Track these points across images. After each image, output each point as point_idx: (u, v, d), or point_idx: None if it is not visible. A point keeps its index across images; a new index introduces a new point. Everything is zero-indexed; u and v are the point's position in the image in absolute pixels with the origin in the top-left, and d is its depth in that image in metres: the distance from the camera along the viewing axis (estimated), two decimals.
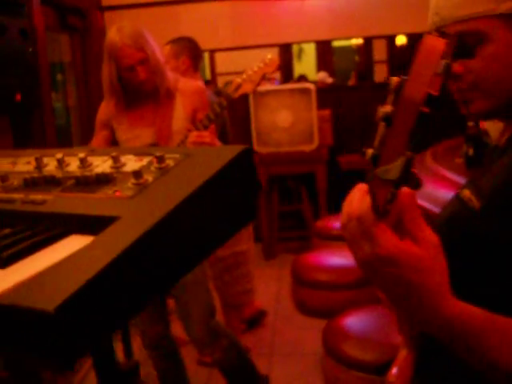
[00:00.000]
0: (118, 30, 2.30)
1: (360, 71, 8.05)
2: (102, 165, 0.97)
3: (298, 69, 8.08)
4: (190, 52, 3.19)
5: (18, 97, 3.77)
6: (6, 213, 0.87)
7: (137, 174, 0.86)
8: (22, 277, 0.66)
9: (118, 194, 0.84)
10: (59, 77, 5.22)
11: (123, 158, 0.96)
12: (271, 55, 2.31)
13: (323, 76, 6.51)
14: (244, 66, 3.62)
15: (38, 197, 0.88)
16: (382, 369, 1.81)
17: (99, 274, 0.62)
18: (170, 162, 0.91)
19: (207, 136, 2.18)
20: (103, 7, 5.20)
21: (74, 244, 0.75)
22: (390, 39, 7.70)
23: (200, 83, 2.59)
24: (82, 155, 0.98)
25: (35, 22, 4.01)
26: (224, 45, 5.41)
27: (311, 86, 4.87)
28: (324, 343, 2.05)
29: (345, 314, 2.05)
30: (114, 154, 0.95)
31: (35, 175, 0.96)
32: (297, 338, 3.66)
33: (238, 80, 2.27)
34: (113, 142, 2.61)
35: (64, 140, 4.87)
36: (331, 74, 6.62)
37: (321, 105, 4.98)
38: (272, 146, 4.89)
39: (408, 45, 7.59)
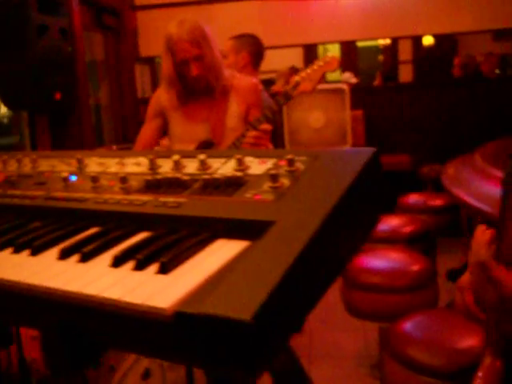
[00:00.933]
0: (178, 23, 2.29)
1: (385, 71, 8.00)
2: (223, 167, 0.95)
3: None
4: (251, 48, 3.21)
5: (58, 96, 3.77)
6: (138, 215, 0.86)
7: (273, 177, 0.84)
8: (191, 284, 0.64)
9: (258, 197, 0.82)
10: (91, 75, 5.22)
11: (246, 160, 0.94)
12: (331, 53, 2.28)
13: (348, 76, 6.47)
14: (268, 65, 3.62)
15: (170, 199, 0.86)
16: (454, 375, 1.79)
17: (283, 279, 0.60)
18: (299, 165, 0.89)
19: (264, 137, 2.16)
20: (136, 6, 5.20)
21: (227, 249, 0.74)
22: (416, 39, 7.65)
23: (255, 80, 2.57)
24: (202, 157, 0.97)
25: (74, 21, 4.02)
26: None
27: (344, 87, 4.84)
28: (385, 347, 2.02)
29: (407, 318, 2.01)
30: (237, 156, 0.93)
31: (156, 177, 0.94)
32: (335, 340, 3.63)
33: (297, 78, 2.24)
34: (164, 132, 2.59)
35: (96, 138, 4.87)
36: (356, 74, 6.58)
37: (351, 105, 4.95)
38: (304, 146, 4.86)
39: (435, 45, 7.53)
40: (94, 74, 5.22)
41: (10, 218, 0.98)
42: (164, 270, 0.68)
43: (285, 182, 0.84)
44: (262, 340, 0.57)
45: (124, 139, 5.09)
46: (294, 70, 6.14)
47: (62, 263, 0.77)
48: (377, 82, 7.84)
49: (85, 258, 0.76)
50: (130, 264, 0.72)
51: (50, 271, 0.74)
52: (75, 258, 0.77)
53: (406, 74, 7.89)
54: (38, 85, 3.57)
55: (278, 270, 0.61)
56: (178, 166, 0.99)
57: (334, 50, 8.61)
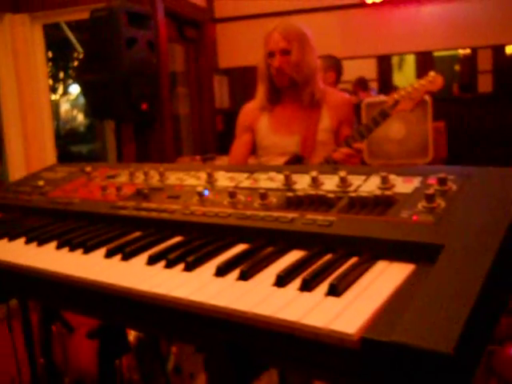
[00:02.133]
0: (281, 20, 2.34)
1: (463, 81, 7.77)
2: (365, 185, 0.93)
3: (398, 79, 7.90)
4: (336, 68, 3.38)
5: (144, 106, 3.87)
6: (287, 233, 0.85)
7: (429, 197, 0.81)
8: (370, 309, 0.62)
9: (416, 218, 0.79)
10: (172, 86, 5.34)
11: (391, 178, 0.91)
12: (434, 72, 2.21)
13: None
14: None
15: (319, 217, 0.85)
16: None
17: (473, 307, 0.57)
18: (451, 185, 0.86)
19: (356, 156, 2.11)
20: (216, 19, 5.29)
21: (394, 271, 0.71)
22: (497, 49, 7.39)
23: (348, 96, 2.54)
24: (342, 174, 0.95)
25: (160, 33, 4.12)
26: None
27: (427, 98, 4.71)
28: (490, 370, 1.94)
29: None
30: (382, 173, 0.91)
31: (299, 194, 0.93)
32: None
33: (396, 96, 2.19)
34: (254, 146, 2.60)
35: (174, 148, 4.97)
36: None
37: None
38: (383, 159, 4.76)
39: None
40: (175, 85, 5.34)
41: (151, 232, 0.99)
42: (335, 292, 0.67)
43: (440, 202, 0.81)
44: (457, 372, 0.55)
45: (202, 149, 5.16)
46: (361, 81, 6.07)
47: (221, 280, 0.76)
48: (454, 93, 7.62)
49: (244, 277, 0.75)
50: (296, 284, 0.71)
51: (211, 288, 0.74)
52: (233, 275, 0.76)
53: (485, 84, 7.63)
54: (126, 95, 3.68)
55: (468, 297, 0.58)
56: (315, 182, 0.98)
57: (409, 60, 8.45)
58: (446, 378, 0.54)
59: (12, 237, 1.08)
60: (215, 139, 5.35)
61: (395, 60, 7.97)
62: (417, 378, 0.55)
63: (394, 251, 0.75)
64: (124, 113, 3.78)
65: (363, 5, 5.18)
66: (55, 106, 9.32)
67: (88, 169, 1.34)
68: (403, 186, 0.90)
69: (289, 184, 1.00)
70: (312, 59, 2.38)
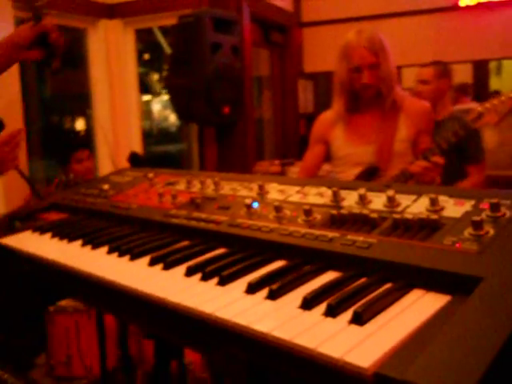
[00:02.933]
0: (357, 31, 2.27)
1: None
2: (413, 205, 0.89)
3: (496, 84, 7.51)
4: (449, 74, 3.27)
5: (227, 110, 3.94)
6: (325, 253, 0.83)
7: (476, 224, 0.76)
8: (392, 342, 0.59)
9: (459, 246, 0.75)
10: (255, 90, 5.40)
11: (441, 200, 0.87)
12: None
13: None
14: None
15: (359, 238, 0.82)
16: None
17: (498, 355, 0.53)
18: (505, 211, 0.80)
19: (434, 170, 2.01)
20: (303, 23, 5.28)
21: (427, 302, 0.68)
22: None
23: (428, 104, 2.44)
24: (390, 193, 0.91)
25: (244, 38, 4.17)
26: (424, 60, 5.19)
27: None
28: None
29: None
30: (431, 194, 0.87)
31: (343, 212, 0.91)
32: None
33: (480, 109, 2.06)
34: (326, 157, 2.56)
35: (256, 152, 5.01)
36: None
37: None
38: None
39: None
40: (259, 89, 5.39)
41: (197, 242, 1.00)
42: (359, 321, 0.64)
43: (489, 230, 0.76)
44: None
45: (284, 153, 5.18)
46: (463, 87, 5.80)
47: (249, 298, 0.76)
48: None
49: (273, 296, 0.74)
50: (321, 308, 0.69)
51: (238, 305, 0.74)
52: (263, 293, 0.76)
53: None
54: (209, 99, 3.76)
55: (494, 342, 0.54)
56: (363, 200, 0.95)
57: (508, 65, 8.02)
58: None
59: (71, 239, 1.13)
60: (297, 144, 5.34)
61: (493, 65, 7.58)
62: None
63: (431, 280, 0.71)
64: (206, 116, 3.87)
65: (456, 8, 4.98)
66: (147, 105, 9.70)
67: (150, 175, 1.38)
68: (453, 208, 0.85)
69: (337, 200, 0.98)
70: (394, 66, 2.32)
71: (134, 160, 2.05)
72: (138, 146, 4.64)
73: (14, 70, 3.65)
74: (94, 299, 1.03)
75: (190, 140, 5.68)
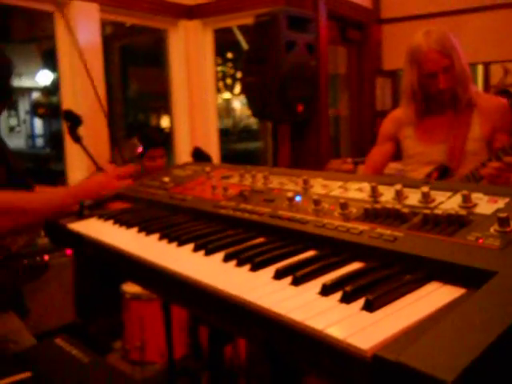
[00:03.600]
0: (424, 34, 2.20)
1: None
2: (447, 202, 0.91)
3: None
4: None
5: (300, 108, 3.98)
6: (353, 245, 0.86)
7: (502, 220, 0.77)
8: (395, 328, 0.62)
9: (481, 241, 0.76)
10: (331, 88, 5.39)
11: (473, 197, 0.88)
12: None
13: None
14: None
15: (387, 232, 0.85)
16: None
17: (492, 344, 0.55)
18: None
19: (508, 171, 1.93)
20: (382, 20, 5.21)
21: (440, 294, 0.70)
22: None
23: (505, 101, 2.35)
24: (425, 189, 0.93)
25: (320, 36, 4.19)
26: (509, 56, 4.97)
27: None
28: None
29: None
30: (464, 191, 0.88)
31: (376, 206, 0.93)
32: None
33: None
34: (394, 156, 2.54)
35: (333, 149, 5.01)
36: None
37: None
38: None
39: None
40: (336, 87, 5.38)
41: (239, 232, 1.06)
42: (369, 307, 0.68)
43: None
44: None
45: (360, 151, 5.14)
46: None
47: (276, 283, 0.81)
48: None
49: (296, 282, 0.79)
50: (338, 295, 0.73)
51: (264, 289, 0.79)
52: (288, 279, 0.80)
53: None
54: (283, 97, 3.82)
55: (491, 331, 0.56)
56: (399, 196, 0.97)
57: None
58: None
59: (129, 226, 1.23)
60: (374, 142, 5.29)
61: None
62: None
63: (448, 273, 0.73)
64: (279, 114, 3.93)
65: None
66: (228, 104, 9.90)
67: (207, 169, 1.46)
68: (486, 206, 0.86)
69: (374, 196, 1.01)
70: (466, 63, 2.26)
71: (197, 155, 2.14)
72: (215, 144, 4.78)
73: (99, 71, 3.88)
74: (146, 282, 1.11)
75: (266, 138, 5.77)
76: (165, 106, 6.58)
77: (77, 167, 3.91)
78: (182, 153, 4.65)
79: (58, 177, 5.53)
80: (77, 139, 2.04)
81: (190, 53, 4.51)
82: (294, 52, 3.82)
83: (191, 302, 0.92)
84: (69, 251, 3.20)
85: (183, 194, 1.34)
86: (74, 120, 2.04)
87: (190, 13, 4.45)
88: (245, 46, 6.04)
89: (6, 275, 2.14)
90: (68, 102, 3.84)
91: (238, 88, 10.18)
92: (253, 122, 10.43)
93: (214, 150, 4.77)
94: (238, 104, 10.25)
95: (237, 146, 9.21)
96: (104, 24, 4.06)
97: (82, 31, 3.80)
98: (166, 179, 1.46)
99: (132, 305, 3.19)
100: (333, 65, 5.18)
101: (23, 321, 2.30)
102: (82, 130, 2.14)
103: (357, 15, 4.91)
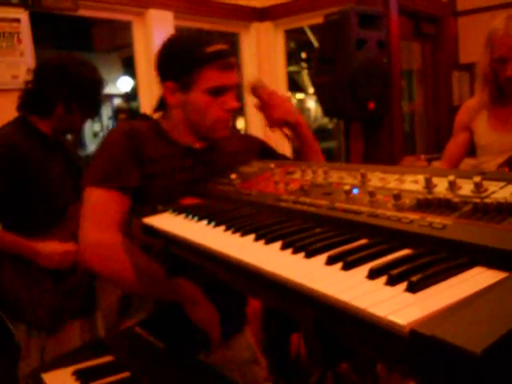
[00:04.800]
0: (506, 18, 2.18)
1: None
2: (499, 191, 0.92)
3: None
4: None
5: (372, 105, 3.97)
6: (403, 233, 0.90)
7: None
8: (434, 306, 0.66)
9: None
10: (405, 84, 5.32)
11: None
12: None
13: None
14: None
15: (436, 220, 0.88)
16: None
17: None
18: None
19: None
20: (458, 12, 5.08)
21: (483, 278, 0.73)
22: None
23: None
24: (477, 179, 0.95)
25: (391, 32, 4.16)
26: None
27: None
28: None
29: None
30: None
31: (428, 196, 0.96)
32: None
33: None
34: (471, 147, 2.51)
35: (407, 146, 4.95)
36: None
37: None
38: None
39: None
40: (411, 83, 5.30)
41: (297, 223, 1.12)
42: (412, 289, 0.72)
43: None
44: (484, 378, 0.56)
45: (436, 148, 5.04)
46: None
47: (328, 268, 0.86)
48: None
49: (347, 267, 0.84)
50: (384, 278, 0.77)
51: (316, 273, 0.84)
52: (339, 265, 0.86)
53: None
54: (354, 95, 3.83)
55: None
56: (452, 186, 0.99)
57: None
58: (474, 379, 0.56)
59: (199, 218, 1.32)
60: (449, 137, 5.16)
61: None
62: (449, 373, 0.58)
63: (493, 258, 0.75)
64: (351, 112, 3.94)
65: None
66: (301, 103, 9.93)
67: (272, 166, 1.52)
68: None
69: (428, 187, 1.03)
70: None
71: None
72: (287, 144, 4.84)
73: None
74: (211, 268, 1.20)
75: (339, 136, 5.77)
76: (240, 108, 6.68)
77: None
78: None
79: None
80: None
81: (262, 54, 4.60)
82: (364, 49, 3.83)
83: (249, 286, 0.99)
84: None
85: (248, 189, 1.41)
86: None
87: (262, 15, 4.54)
88: (316, 45, 6.07)
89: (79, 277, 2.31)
90: (146, 106, 4.04)
91: (311, 88, 10.18)
92: (327, 121, 10.40)
93: (288, 150, 4.83)
94: (313, 104, 10.27)
95: None
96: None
97: (158, 38, 3.98)
98: (233, 176, 1.54)
99: None
100: (407, 60, 5.11)
101: (93, 317, 2.47)
102: None
103: (431, 9, 4.82)
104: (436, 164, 4.27)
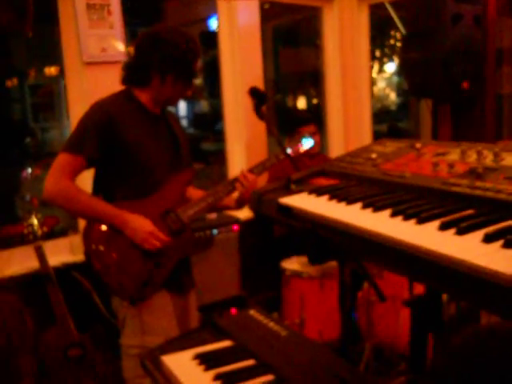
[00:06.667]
0: None
1: None
2: None
3: None
4: None
5: (466, 85, 3.75)
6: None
7: None
8: None
9: None
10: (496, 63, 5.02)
11: None
12: None
13: None
14: None
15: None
16: None
17: None
18: None
19: None
20: None
21: None
22: None
23: None
24: None
25: (489, 6, 3.91)
26: None
27: None
28: None
29: None
30: None
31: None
32: None
33: None
34: None
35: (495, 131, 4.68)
36: None
37: None
38: None
39: None
40: (498, 62, 5.01)
41: (484, 211, 1.00)
42: (508, 245, 0.81)
43: None
44: None
45: None
46: None
47: (441, 233, 0.94)
48: None
49: (461, 232, 0.91)
50: (499, 243, 0.83)
51: (433, 238, 0.92)
52: (453, 230, 0.92)
53: None
54: (447, 74, 3.62)
55: None
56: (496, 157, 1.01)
57: None
58: None
59: (349, 201, 1.20)
60: None
61: None
62: None
63: None
64: (442, 92, 3.73)
65: None
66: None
67: (418, 145, 1.39)
68: None
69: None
70: None
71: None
72: (367, 124, 4.67)
73: (257, 52, 3.94)
74: (369, 257, 1.10)
75: (417, 118, 5.53)
76: (302, 87, 6.56)
77: (236, 149, 4.02)
78: (335, 133, 4.61)
79: (207, 156, 5.76)
80: (262, 116, 2.06)
81: (345, 30, 4.42)
82: (459, 25, 3.61)
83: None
84: (235, 227, 3.31)
85: (399, 171, 1.29)
86: (260, 97, 2.06)
87: None
88: (398, 22, 5.82)
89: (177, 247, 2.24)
90: (228, 82, 3.94)
91: (377, 68, 9.87)
92: (391, 102, 10.09)
93: (366, 130, 4.67)
94: (379, 84, 9.97)
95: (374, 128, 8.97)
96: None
97: (242, 13, 3.87)
98: (373, 155, 1.42)
99: (292, 282, 3.22)
100: (497, 38, 4.81)
101: (187, 294, 2.41)
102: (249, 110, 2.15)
103: None
104: None
